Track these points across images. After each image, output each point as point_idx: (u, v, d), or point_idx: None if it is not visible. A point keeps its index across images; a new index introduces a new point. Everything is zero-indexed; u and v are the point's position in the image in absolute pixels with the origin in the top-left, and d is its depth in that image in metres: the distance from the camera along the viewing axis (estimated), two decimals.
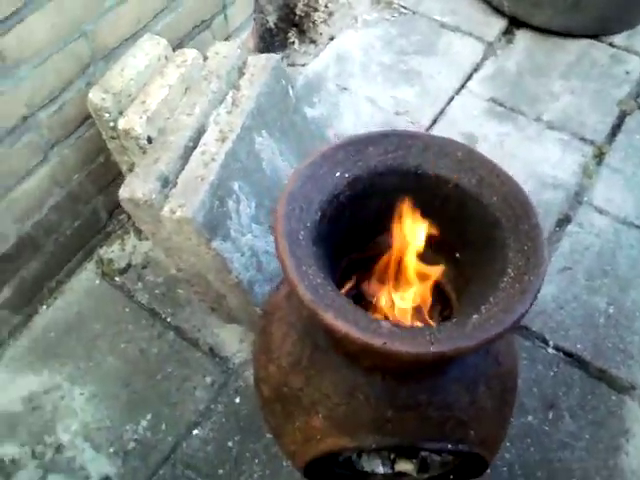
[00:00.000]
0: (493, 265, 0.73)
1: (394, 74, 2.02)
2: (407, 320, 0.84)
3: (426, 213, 0.80)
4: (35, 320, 1.50)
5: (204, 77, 1.32)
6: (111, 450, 1.34)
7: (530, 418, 1.40)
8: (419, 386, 0.77)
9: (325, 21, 2.14)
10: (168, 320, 1.51)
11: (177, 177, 1.20)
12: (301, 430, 0.81)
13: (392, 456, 0.96)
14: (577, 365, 1.47)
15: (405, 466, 0.95)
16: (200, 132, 1.26)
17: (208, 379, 1.44)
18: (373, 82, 2.00)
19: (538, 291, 0.69)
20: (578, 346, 1.50)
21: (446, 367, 0.77)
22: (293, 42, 2.12)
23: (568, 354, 1.49)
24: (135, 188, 1.16)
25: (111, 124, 1.27)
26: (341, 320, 0.63)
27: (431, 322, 0.85)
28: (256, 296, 1.31)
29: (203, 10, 1.47)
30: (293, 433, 0.83)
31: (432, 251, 0.85)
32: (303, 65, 2.06)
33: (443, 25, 2.16)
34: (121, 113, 1.27)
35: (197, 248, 1.20)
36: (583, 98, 1.98)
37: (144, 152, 1.26)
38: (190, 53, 1.34)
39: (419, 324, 0.80)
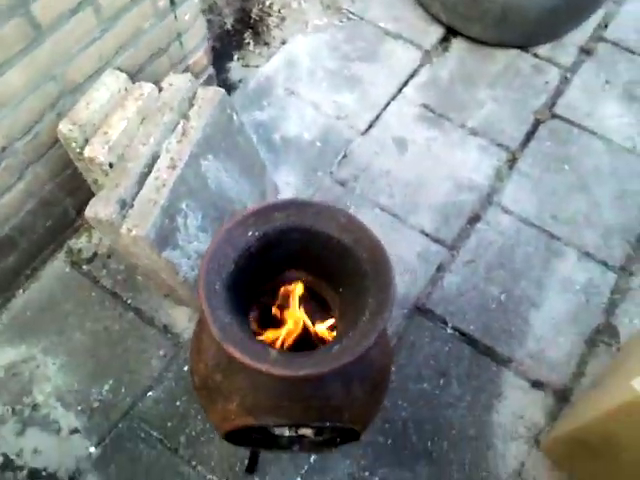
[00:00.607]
0: (360, 303, 1.01)
1: (338, 80, 2.24)
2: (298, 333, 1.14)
3: (318, 258, 1.08)
4: (13, 302, 1.78)
5: (159, 109, 1.55)
6: (79, 408, 1.65)
7: (425, 385, 1.73)
8: (306, 384, 1.07)
9: (278, 25, 2.34)
10: (129, 302, 1.80)
11: (134, 199, 1.45)
12: (221, 412, 1.11)
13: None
14: (468, 342, 1.80)
15: (305, 431, 1.27)
16: (154, 159, 1.51)
17: (161, 351, 1.74)
18: (318, 87, 2.22)
19: (382, 329, 0.96)
20: (471, 327, 1.82)
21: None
22: (248, 43, 2.32)
23: (462, 333, 1.81)
24: (98, 210, 1.42)
25: (78, 150, 1.50)
26: (239, 351, 0.91)
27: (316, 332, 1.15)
28: None
29: (160, 40, 1.68)
30: (215, 412, 1.13)
31: (325, 283, 1.14)
32: (257, 67, 2.26)
33: (387, 32, 2.37)
34: (87, 141, 1.50)
35: (151, 256, 1.47)
36: (504, 106, 2.23)
37: (106, 174, 1.50)
38: (146, 87, 1.56)
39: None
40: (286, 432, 1.29)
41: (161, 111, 1.55)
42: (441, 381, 1.74)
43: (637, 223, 2.01)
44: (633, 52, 2.35)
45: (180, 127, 1.55)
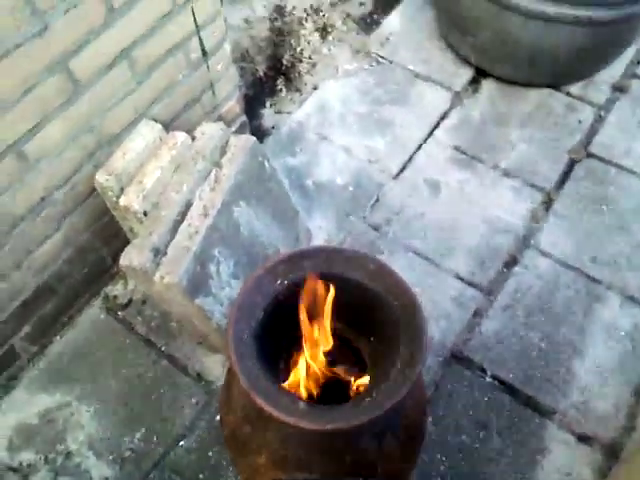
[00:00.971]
0: (392, 353, 0.99)
1: (369, 124, 2.26)
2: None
3: (347, 305, 1.06)
4: (50, 348, 1.79)
5: (192, 157, 1.58)
6: (110, 457, 1.64)
7: (464, 437, 1.66)
8: (337, 438, 1.04)
9: (309, 71, 2.37)
10: (162, 349, 1.80)
11: (167, 247, 1.47)
12: (250, 465, 1.09)
13: None
14: (509, 392, 1.72)
15: None
16: (187, 207, 1.52)
17: (194, 399, 1.72)
18: (349, 132, 2.23)
19: (415, 381, 0.93)
20: (511, 376, 1.75)
21: None
22: (281, 89, 2.36)
23: (502, 382, 1.74)
24: (132, 258, 1.43)
25: (114, 199, 1.53)
26: (268, 403, 0.89)
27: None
28: None
29: (193, 90, 1.72)
30: (245, 466, 1.11)
31: (356, 331, 1.12)
32: (289, 113, 2.30)
33: (416, 75, 2.38)
34: (122, 190, 1.53)
35: (183, 303, 1.47)
36: (537, 147, 2.20)
37: (141, 222, 1.53)
38: (180, 136, 1.59)
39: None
40: None
41: (194, 159, 1.57)
42: (481, 434, 1.68)
43: None
44: None
45: (212, 175, 1.57)
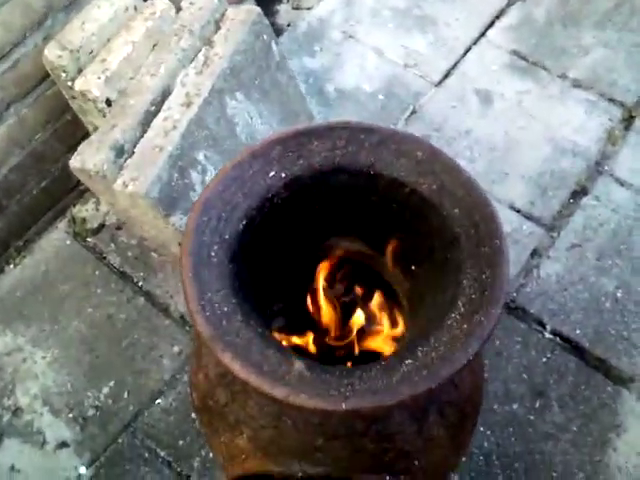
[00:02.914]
0: (445, 291, 0.62)
1: (407, 20, 1.85)
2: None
3: (378, 218, 0.69)
4: (1, 279, 1.48)
5: (175, 32, 1.19)
6: (70, 416, 1.34)
7: (515, 406, 1.33)
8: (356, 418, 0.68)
9: None
10: (139, 284, 1.47)
11: (135, 146, 1.10)
12: (227, 446, 0.75)
13: None
14: (574, 352, 1.38)
15: None
16: (165, 95, 1.15)
17: (176, 348, 1.40)
18: (383, 29, 1.83)
19: (488, 337, 0.57)
20: (577, 332, 1.40)
21: None
22: None
23: (565, 340, 1.40)
24: (86, 158, 1.07)
25: (69, 84, 1.16)
26: (240, 362, 0.53)
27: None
28: None
29: None
30: (219, 447, 0.76)
31: (389, 259, 0.74)
32: (308, 9, 1.88)
33: None
34: (80, 71, 1.16)
35: (155, 222, 1.12)
36: (618, 52, 1.78)
37: (104, 115, 1.15)
38: (160, 4, 1.21)
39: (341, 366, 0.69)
40: None
41: (177, 35, 1.19)
42: (537, 403, 1.33)
43: None
44: None
45: (201, 55, 1.18)
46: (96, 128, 1.25)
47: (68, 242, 1.51)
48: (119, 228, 1.51)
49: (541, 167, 1.61)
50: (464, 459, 1.28)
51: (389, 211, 0.70)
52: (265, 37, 1.26)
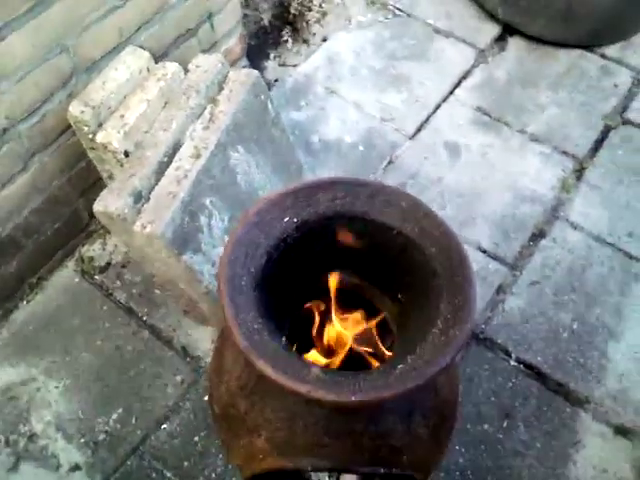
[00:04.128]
0: (427, 312, 0.77)
1: (383, 79, 2.04)
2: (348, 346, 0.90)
3: (371, 255, 0.85)
4: (15, 315, 1.57)
5: (184, 91, 1.35)
6: (82, 441, 1.42)
7: (486, 426, 1.46)
8: (355, 416, 0.83)
9: (319, 21, 2.15)
10: (144, 319, 1.58)
11: (150, 192, 1.24)
12: (245, 448, 0.87)
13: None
14: (536, 377, 1.52)
15: (350, 478, 1.02)
16: (176, 148, 1.30)
17: (179, 377, 1.50)
18: (362, 86, 2.01)
19: (462, 347, 0.72)
20: (539, 359, 1.55)
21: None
22: (286, 40, 2.13)
23: (528, 366, 1.54)
24: (109, 203, 1.21)
25: (90, 136, 1.31)
26: (271, 367, 0.68)
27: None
28: None
29: (188, 20, 1.50)
30: (239, 450, 0.89)
31: (380, 290, 0.90)
32: (294, 66, 2.07)
33: (437, 30, 2.16)
34: (100, 126, 1.31)
35: (168, 260, 1.25)
36: (569, 111, 1.99)
37: (121, 165, 1.30)
38: (171, 67, 1.37)
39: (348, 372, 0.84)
40: (325, 478, 1.04)
41: (186, 94, 1.35)
42: (505, 423, 1.47)
43: None
44: None
45: (207, 112, 1.35)
46: (111, 175, 1.40)
47: (77, 280, 1.61)
48: (124, 266, 1.63)
49: (503, 212, 1.79)
50: (442, 474, 1.43)
51: (380, 250, 0.85)
52: (262, 97, 1.43)
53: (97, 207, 1.21)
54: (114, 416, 1.45)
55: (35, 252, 1.51)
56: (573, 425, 1.46)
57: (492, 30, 2.16)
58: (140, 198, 1.22)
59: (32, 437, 1.42)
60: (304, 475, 0.99)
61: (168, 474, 1.39)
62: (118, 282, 1.62)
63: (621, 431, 1.46)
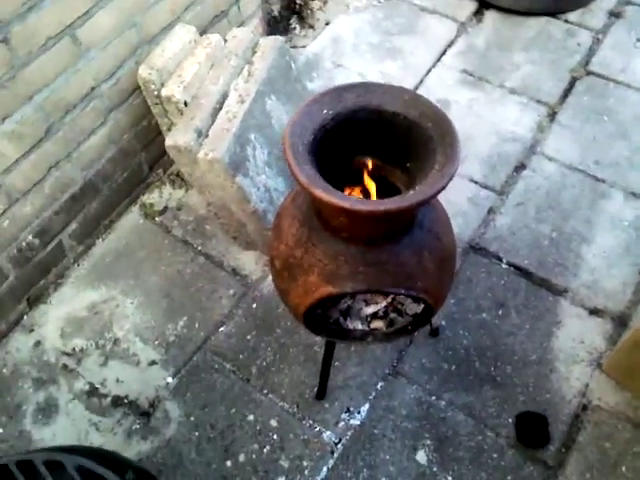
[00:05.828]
0: (428, 163, 1.11)
1: (381, 52, 2.39)
2: None
3: (385, 137, 1.19)
4: (93, 250, 1.92)
5: (225, 55, 1.71)
6: (156, 343, 1.75)
7: (484, 315, 1.79)
8: (380, 250, 1.16)
9: (321, 8, 2.51)
10: (199, 249, 1.92)
11: (208, 130, 1.59)
12: (302, 286, 1.20)
13: (368, 318, 1.36)
14: (523, 275, 1.85)
15: (378, 324, 1.35)
16: (224, 97, 1.65)
17: (231, 291, 1.84)
18: (363, 59, 2.37)
19: (452, 176, 1.06)
20: (525, 262, 1.88)
21: (399, 237, 1.16)
22: (294, 27, 2.49)
23: (517, 268, 1.87)
24: (177, 138, 1.55)
25: (155, 93, 1.66)
26: (325, 192, 1.01)
27: None
28: (269, 223, 1.70)
29: (222, 2, 1.85)
30: (296, 289, 1.22)
31: (392, 165, 1.24)
32: (303, 47, 2.43)
33: (422, 9, 2.53)
34: (163, 84, 1.66)
35: (224, 183, 1.59)
36: (540, 67, 2.34)
37: (181, 114, 1.65)
38: (213, 37, 1.72)
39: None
40: (359, 325, 1.37)
41: (227, 57, 1.70)
42: (500, 311, 1.80)
43: None
44: None
45: (246, 70, 1.70)
46: (170, 128, 1.75)
47: (141, 221, 1.96)
48: (179, 209, 1.98)
49: (490, 151, 2.13)
50: (450, 353, 1.75)
51: (392, 132, 1.19)
52: (287, 57, 1.78)
53: (168, 142, 1.56)
54: (180, 323, 1.79)
55: (109, 197, 1.85)
56: (555, 309, 1.79)
57: (470, 6, 2.52)
58: (201, 134, 1.57)
59: (116, 341, 1.76)
60: (343, 325, 1.31)
61: (227, 365, 1.71)
62: (175, 222, 1.97)
63: (594, 312, 1.78)
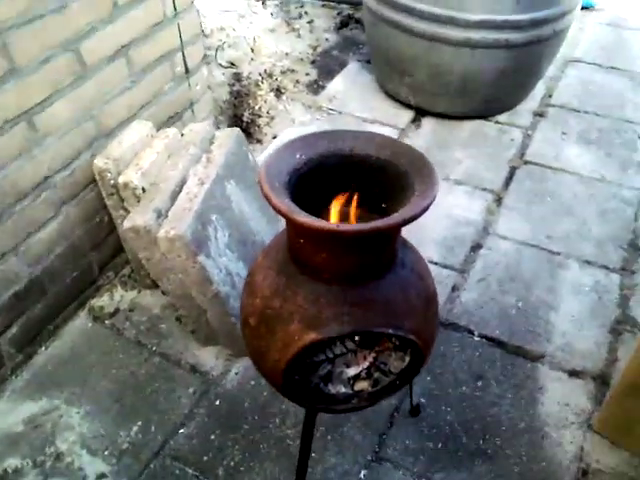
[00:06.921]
0: (407, 196, 1.09)
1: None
2: None
3: (358, 179, 1.19)
4: (34, 359, 1.75)
5: (183, 146, 1.73)
6: (106, 453, 1.55)
7: (464, 388, 1.71)
8: (364, 288, 1.10)
9: (268, 124, 2.64)
10: (154, 349, 1.79)
11: (168, 211, 1.55)
12: (282, 339, 1.11)
13: (351, 381, 1.26)
14: (497, 345, 1.82)
15: (362, 384, 1.25)
16: (183, 182, 1.64)
17: (191, 389, 1.69)
18: None
19: (434, 197, 1.05)
20: (497, 332, 1.85)
21: (383, 274, 1.12)
22: None
23: (490, 339, 1.84)
24: (136, 218, 1.51)
25: (112, 182, 1.63)
26: (309, 218, 0.98)
27: None
28: (231, 308, 1.62)
29: (176, 105, 1.92)
30: (275, 344, 1.12)
31: (367, 210, 1.23)
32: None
33: (364, 120, 2.69)
34: (120, 173, 1.64)
35: (185, 262, 1.52)
36: (480, 160, 2.49)
37: (139, 200, 1.62)
38: (171, 131, 1.76)
39: None
40: (342, 389, 1.27)
41: (185, 147, 1.72)
42: (479, 383, 1.73)
43: (624, 232, 2.18)
44: (578, 111, 2.72)
45: (204, 157, 1.71)
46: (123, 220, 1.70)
47: (90, 324, 1.82)
48: (131, 310, 1.87)
49: (445, 234, 2.17)
50: (434, 430, 1.61)
51: (366, 174, 1.19)
52: (244, 147, 1.82)
53: (126, 224, 1.51)
54: (134, 428, 1.60)
55: (56, 298, 1.73)
56: (535, 375, 1.74)
57: (408, 114, 2.71)
58: (160, 214, 1.53)
59: (58, 456, 1.54)
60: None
61: (189, 470, 1.53)
62: (127, 323, 1.84)
63: (573, 373, 1.75)
